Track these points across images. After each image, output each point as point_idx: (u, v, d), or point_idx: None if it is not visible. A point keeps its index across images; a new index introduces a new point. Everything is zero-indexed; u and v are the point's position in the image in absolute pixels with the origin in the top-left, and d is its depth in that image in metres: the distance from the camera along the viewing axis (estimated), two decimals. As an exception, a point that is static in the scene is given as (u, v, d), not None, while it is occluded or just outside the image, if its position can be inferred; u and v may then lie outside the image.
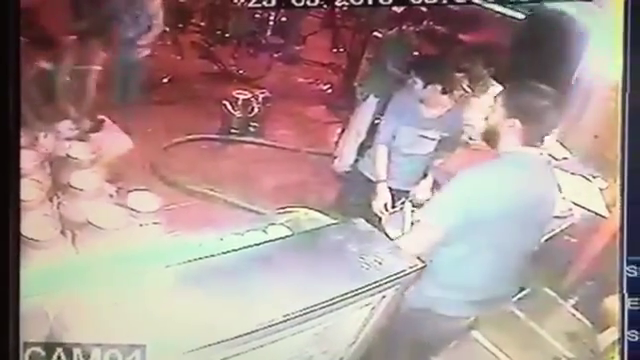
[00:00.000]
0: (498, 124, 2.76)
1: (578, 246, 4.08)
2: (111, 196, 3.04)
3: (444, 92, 4.09)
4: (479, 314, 3.04)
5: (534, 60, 5.98)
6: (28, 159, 2.92)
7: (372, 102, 5.67)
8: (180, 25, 7.85)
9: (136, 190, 2.92)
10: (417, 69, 4.11)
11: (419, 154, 4.29)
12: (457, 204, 2.69)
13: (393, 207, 4.03)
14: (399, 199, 4.07)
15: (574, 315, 3.71)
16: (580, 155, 4.45)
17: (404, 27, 5.69)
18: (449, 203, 2.72)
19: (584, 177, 4.38)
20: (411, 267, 2.50)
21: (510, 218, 2.72)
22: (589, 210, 4.14)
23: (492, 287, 2.98)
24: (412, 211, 3.84)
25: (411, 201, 4.03)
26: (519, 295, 3.40)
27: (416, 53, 5.43)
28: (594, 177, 4.42)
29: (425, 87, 4.03)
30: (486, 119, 2.85)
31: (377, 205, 4.12)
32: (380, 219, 3.86)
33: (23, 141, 3.14)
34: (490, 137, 2.82)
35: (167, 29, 7.03)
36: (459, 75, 4.88)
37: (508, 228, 2.75)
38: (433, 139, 4.23)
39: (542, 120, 2.72)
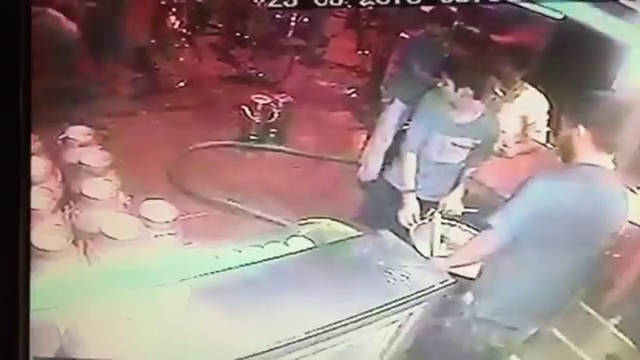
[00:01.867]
0: (568, 135, 2.76)
1: (622, 262, 4.01)
2: (125, 205, 3.05)
3: (477, 96, 4.03)
4: (539, 326, 3.06)
5: (571, 63, 5.93)
6: (39, 166, 2.96)
7: (398, 106, 5.64)
8: (197, 26, 7.90)
9: (151, 199, 2.94)
10: (448, 71, 4.03)
11: (450, 163, 4.22)
12: (530, 216, 2.71)
13: (422, 218, 3.99)
14: (427, 210, 4.03)
15: (616, 336, 3.67)
16: (623, 165, 4.42)
17: (433, 27, 5.65)
18: (521, 214, 2.74)
19: (629, 188, 4.33)
20: (441, 282, 2.50)
21: (579, 230, 2.75)
22: (633, 223, 4.09)
23: (553, 299, 3.01)
24: (442, 223, 3.83)
25: (441, 212, 4.00)
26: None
27: (446, 55, 5.37)
28: (639, 188, 4.37)
29: (456, 90, 3.97)
30: (555, 135, 2.86)
31: (404, 216, 4.07)
32: (407, 231, 3.84)
33: (34, 147, 3.19)
34: (564, 152, 2.83)
35: (184, 31, 7.09)
36: (491, 78, 4.85)
37: (575, 241, 2.77)
38: (465, 147, 4.15)
39: (611, 126, 2.71)
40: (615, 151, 2.75)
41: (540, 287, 2.89)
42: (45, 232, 2.55)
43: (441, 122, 4.11)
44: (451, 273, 2.80)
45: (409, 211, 4.08)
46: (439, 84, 4.04)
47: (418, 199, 4.15)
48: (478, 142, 4.15)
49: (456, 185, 4.29)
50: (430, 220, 3.89)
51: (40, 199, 2.76)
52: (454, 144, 4.14)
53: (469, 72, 4.07)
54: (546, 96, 4.77)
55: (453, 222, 3.87)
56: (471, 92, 3.97)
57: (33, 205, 2.36)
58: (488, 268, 2.99)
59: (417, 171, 4.19)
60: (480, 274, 3.05)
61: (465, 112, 4.08)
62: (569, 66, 5.89)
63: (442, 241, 3.71)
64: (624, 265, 4.06)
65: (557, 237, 2.73)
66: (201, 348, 1.93)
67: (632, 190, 4.34)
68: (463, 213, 4.15)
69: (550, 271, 2.85)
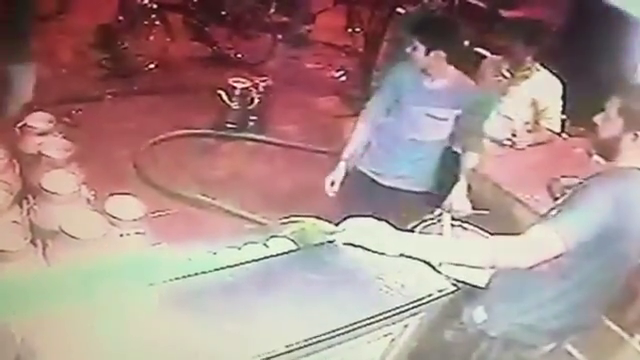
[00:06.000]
0: (617, 137, 2.78)
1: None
2: (88, 201, 3.05)
3: (450, 60, 4.02)
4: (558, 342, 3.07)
5: (590, 42, 5.94)
6: (-6, 156, 2.96)
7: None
8: (169, 1, 7.86)
9: (117, 194, 2.94)
10: (418, 33, 4.01)
11: (428, 140, 4.23)
12: (589, 225, 2.66)
13: (427, 220, 3.95)
14: (418, 203, 4.01)
15: (642, 354, 3.67)
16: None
17: (432, 1, 5.64)
18: (582, 222, 2.67)
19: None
20: (440, 291, 2.50)
21: (626, 241, 2.76)
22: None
23: (582, 315, 3.02)
24: (452, 225, 3.79)
25: (449, 211, 3.97)
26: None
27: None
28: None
29: (427, 54, 3.97)
30: (598, 127, 2.86)
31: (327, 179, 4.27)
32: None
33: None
34: (607, 150, 2.85)
35: (154, 6, 7.06)
36: (496, 57, 4.85)
37: (618, 253, 2.79)
38: (444, 119, 4.15)
39: None
40: None
41: (569, 302, 2.89)
42: (1, 230, 2.55)
43: (411, 91, 4.11)
44: (457, 280, 2.67)
45: (333, 175, 4.25)
46: (408, 49, 4.03)
47: (415, 193, 4.18)
48: (458, 112, 4.14)
49: (455, 177, 4.29)
50: (439, 221, 3.86)
51: (-4, 193, 2.76)
52: (429, 116, 4.13)
53: (441, 33, 4.07)
54: (560, 79, 4.76)
55: (462, 224, 3.84)
56: (443, 55, 3.98)
57: (-12, 201, 2.38)
58: (504, 278, 2.97)
59: (389, 152, 4.24)
60: (491, 283, 3.03)
61: (438, 78, 4.08)
62: (586, 46, 5.91)
63: None
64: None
65: (605, 248, 2.72)
66: (171, 360, 1.94)
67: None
68: (473, 215, 4.12)
69: (583, 285, 2.85)
